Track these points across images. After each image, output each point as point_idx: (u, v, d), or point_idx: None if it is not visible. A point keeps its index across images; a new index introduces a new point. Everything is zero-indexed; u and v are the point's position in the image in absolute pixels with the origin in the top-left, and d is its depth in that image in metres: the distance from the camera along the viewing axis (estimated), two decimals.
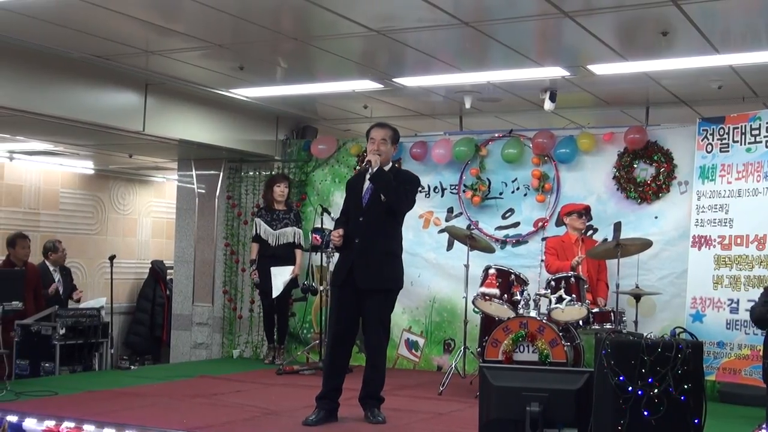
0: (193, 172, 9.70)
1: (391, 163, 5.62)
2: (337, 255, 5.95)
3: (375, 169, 5.40)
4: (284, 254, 8.22)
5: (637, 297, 6.73)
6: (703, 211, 7.07)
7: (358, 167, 5.48)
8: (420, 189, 8.32)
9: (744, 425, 5.70)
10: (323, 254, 7.81)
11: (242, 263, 9.23)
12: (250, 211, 9.13)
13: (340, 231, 5.47)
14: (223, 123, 8.61)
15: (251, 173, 9.35)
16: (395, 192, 5.41)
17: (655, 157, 7.53)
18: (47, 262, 8.92)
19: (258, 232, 8.31)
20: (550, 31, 5.91)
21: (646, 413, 4.19)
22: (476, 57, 6.65)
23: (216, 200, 9.52)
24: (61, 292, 8.84)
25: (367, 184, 5.52)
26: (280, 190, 8.36)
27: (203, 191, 9.65)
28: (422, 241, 8.45)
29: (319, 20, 5.73)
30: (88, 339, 7.97)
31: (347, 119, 9.23)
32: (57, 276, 8.93)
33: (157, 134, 8.01)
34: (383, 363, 5.55)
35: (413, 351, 8.42)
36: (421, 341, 8.42)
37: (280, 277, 8.10)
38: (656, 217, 7.50)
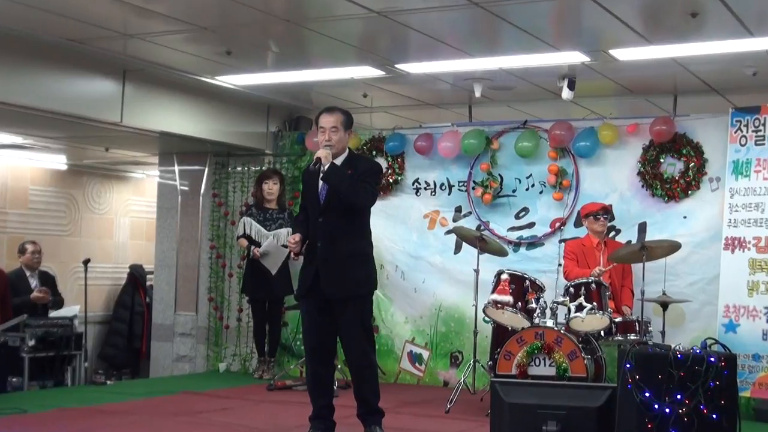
0: (176, 168, 9.70)
1: (347, 152, 5.46)
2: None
3: (326, 167, 5.24)
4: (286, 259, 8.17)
5: (664, 305, 6.72)
6: (736, 210, 7.05)
7: (311, 166, 5.45)
8: (422, 185, 8.47)
9: None
10: None
11: (229, 267, 9.26)
12: (238, 210, 9.14)
13: (297, 237, 5.36)
14: (208, 113, 8.61)
15: (239, 169, 9.33)
16: (353, 188, 5.26)
17: (684, 151, 7.52)
18: (23, 267, 8.91)
19: (247, 232, 8.30)
20: (569, 12, 5.88)
21: None
22: (487, 41, 6.62)
23: (201, 198, 9.50)
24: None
25: (321, 182, 5.39)
26: (269, 188, 8.36)
27: (186, 188, 9.64)
28: (427, 243, 8.44)
29: (314, 0, 5.72)
30: (60, 351, 7.99)
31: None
32: (34, 282, 8.90)
33: (136, 126, 8.00)
34: (372, 374, 5.48)
35: (417, 365, 8.41)
36: (425, 354, 8.39)
37: (280, 255, 8.06)
38: (685, 217, 7.49)
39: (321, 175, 5.31)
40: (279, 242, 8.11)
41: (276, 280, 8.18)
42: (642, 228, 7.60)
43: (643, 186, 7.67)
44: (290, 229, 8.06)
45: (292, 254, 5.63)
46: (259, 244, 8.20)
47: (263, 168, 9.04)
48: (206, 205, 9.47)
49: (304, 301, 5.49)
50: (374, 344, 5.58)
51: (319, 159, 5.28)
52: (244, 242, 8.33)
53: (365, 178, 5.36)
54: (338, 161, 5.37)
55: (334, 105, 5.66)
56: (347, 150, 5.49)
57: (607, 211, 7.34)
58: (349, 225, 5.37)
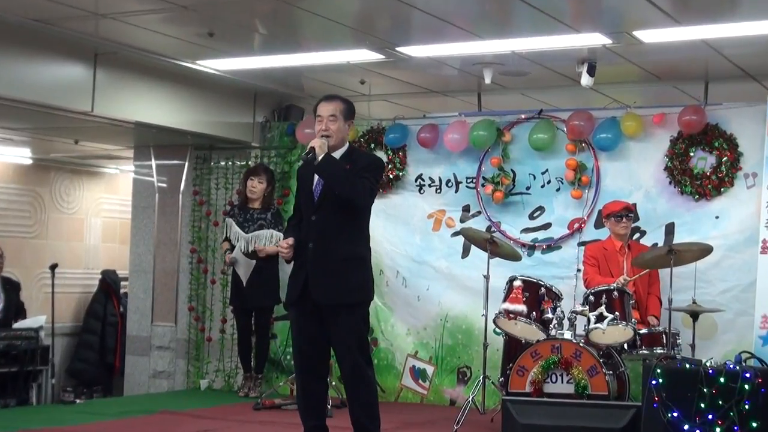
0: (153, 162, 9.69)
1: (346, 146, 5.49)
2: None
3: (321, 157, 5.25)
4: (258, 265, 8.24)
5: (695, 315, 6.72)
6: None
7: (303, 155, 5.45)
8: (426, 182, 8.47)
9: None
10: None
11: (212, 273, 9.27)
12: (222, 209, 9.13)
13: (290, 241, 5.37)
14: (189, 102, 8.59)
15: (223, 163, 9.33)
16: (349, 183, 5.26)
17: (716, 144, 7.51)
18: None
19: (228, 235, 8.37)
20: None
21: None
22: (498, 21, 6.61)
23: (180, 196, 9.50)
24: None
25: (317, 176, 5.43)
26: (252, 185, 8.37)
27: (165, 185, 9.62)
28: (432, 246, 8.44)
29: None
30: (24, 366, 8.02)
31: None
32: None
33: (109, 115, 8.00)
34: (370, 394, 5.44)
35: (420, 381, 8.40)
36: (429, 369, 8.38)
37: (247, 266, 8.19)
38: (717, 217, 7.49)
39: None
40: (254, 246, 8.17)
41: (257, 288, 8.23)
42: (669, 229, 7.60)
43: (670, 183, 7.67)
44: (272, 231, 8.22)
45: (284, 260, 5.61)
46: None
47: (249, 162, 9.06)
48: (186, 204, 9.45)
49: (293, 309, 5.49)
50: (371, 359, 5.55)
51: (312, 149, 5.27)
52: (226, 245, 8.39)
53: (364, 173, 5.36)
54: (336, 155, 5.38)
55: (334, 93, 5.69)
56: (347, 144, 5.51)
57: (630, 211, 7.32)
58: (344, 225, 5.36)
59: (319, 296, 5.30)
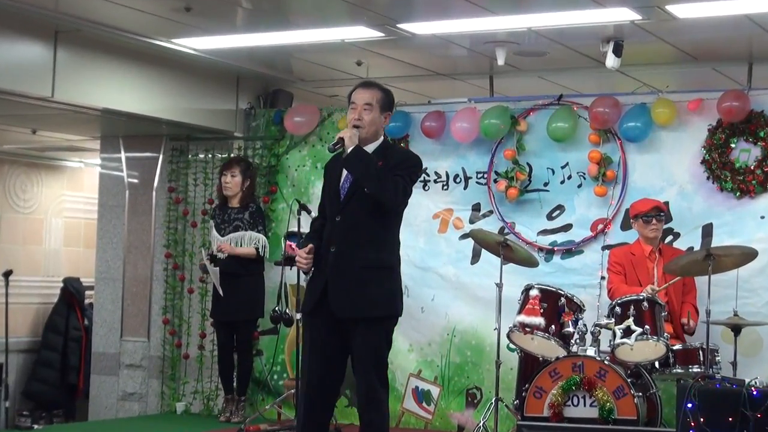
0: (122, 155, 9.68)
1: (381, 140, 5.54)
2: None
3: (350, 149, 5.30)
4: (235, 271, 8.27)
5: (736, 329, 6.68)
6: None
7: (329, 146, 5.50)
8: (431, 177, 8.46)
9: None
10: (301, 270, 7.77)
11: (189, 281, 9.25)
12: (200, 208, 9.15)
13: (308, 247, 5.42)
14: (163, 86, 8.58)
15: (202, 156, 9.33)
16: (380, 180, 5.29)
17: (762, 134, 7.48)
18: None
19: (207, 238, 8.52)
20: None
21: None
22: None
23: (154, 194, 9.48)
24: None
25: (345, 171, 5.48)
26: (225, 181, 8.38)
27: (136, 181, 9.60)
28: (437, 250, 8.44)
29: None
30: None
31: (334, 81, 9.16)
32: None
33: (72, 101, 7.98)
34: (382, 420, 5.43)
35: (424, 405, 8.39)
36: (435, 391, 8.38)
37: (213, 275, 8.22)
38: (763, 217, 7.47)
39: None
40: (216, 247, 8.22)
41: (238, 299, 8.25)
42: (707, 231, 7.59)
43: (708, 178, 7.65)
44: (250, 233, 8.26)
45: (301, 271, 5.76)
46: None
47: (232, 155, 9.02)
48: (161, 203, 9.44)
49: (308, 320, 5.53)
50: (387, 381, 5.53)
51: (341, 139, 5.33)
52: (205, 252, 8.44)
53: (397, 170, 5.39)
54: (368, 149, 5.41)
55: (374, 81, 5.71)
56: (382, 138, 5.54)
57: (661, 211, 7.32)
58: (372, 229, 5.42)
59: (338, 307, 5.34)
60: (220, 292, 8.23)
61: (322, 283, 5.39)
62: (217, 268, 8.20)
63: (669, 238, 7.63)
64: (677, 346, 6.74)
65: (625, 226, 7.76)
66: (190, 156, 9.37)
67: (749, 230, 7.45)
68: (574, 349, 6.56)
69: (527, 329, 6.69)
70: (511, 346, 7.14)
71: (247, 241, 8.26)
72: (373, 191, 5.30)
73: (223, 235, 8.26)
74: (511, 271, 7.26)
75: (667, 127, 7.78)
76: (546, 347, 6.68)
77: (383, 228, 5.49)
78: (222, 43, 7.96)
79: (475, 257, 8.27)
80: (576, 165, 8.04)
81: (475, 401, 8.19)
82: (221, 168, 8.52)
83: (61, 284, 11.33)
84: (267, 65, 8.83)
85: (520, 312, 6.83)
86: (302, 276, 7.44)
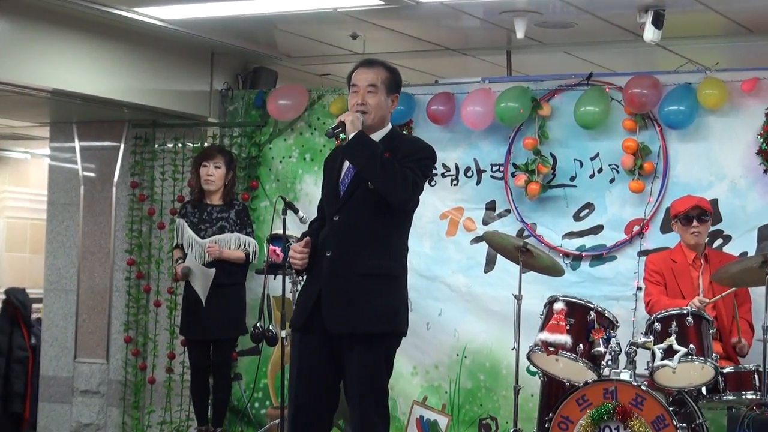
0: (76, 144, 9.55)
1: (388, 128, 5.47)
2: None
3: (351, 136, 5.21)
4: (217, 280, 8.11)
5: None
6: None
7: (328, 130, 5.48)
8: (439, 170, 8.40)
9: None
10: (286, 278, 7.47)
11: (156, 293, 9.11)
12: (169, 206, 9.07)
13: (305, 241, 5.40)
14: (124, 64, 8.45)
15: (170, 146, 9.22)
16: (385, 171, 5.19)
17: None
18: None
19: (180, 240, 8.23)
20: None
21: None
22: None
23: (114, 190, 9.38)
24: None
25: (347, 163, 5.42)
26: (207, 173, 8.18)
27: (93, 175, 9.51)
28: (445, 256, 8.38)
29: None
30: None
31: (325, 57, 9.18)
32: None
33: (15, 81, 7.83)
34: None
35: None
36: (443, 421, 8.31)
37: (204, 279, 8.08)
38: None
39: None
40: (213, 255, 8.08)
41: (220, 313, 8.13)
42: (764, 234, 7.47)
43: (765, 171, 7.50)
44: (238, 236, 8.22)
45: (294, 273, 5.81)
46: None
47: (205, 144, 8.92)
48: (122, 200, 9.35)
49: (298, 336, 5.44)
50: (387, 413, 5.47)
51: (342, 123, 5.28)
52: (178, 254, 8.29)
53: (406, 162, 5.31)
54: (374, 138, 5.35)
55: (377, 58, 5.63)
56: (389, 125, 5.50)
57: (704, 212, 7.15)
58: (375, 230, 5.37)
59: (332, 321, 5.28)
60: (203, 302, 8.05)
61: (315, 294, 5.34)
62: (213, 269, 8.06)
63: (718, 242, 7.54)
64: (728, 369, 6.60)
65: (666, 228, 7.68)
66: (156, 145, 9.29)
67: None
68: (606, 372, 6.45)
69: (551, 349, 6.57)
70: (532, 368, 7.04)
71: (234, 245, 8.19)
72: (378, 185, 5.26)
73: (203, 237, 8.12)
74: (531, 281, 7.27)
75: (717, 112, 7.66)
76: (573, 370, 6.59)
77: (388, 230, 5.43)
78: (193, 12, 7.82)
79: (490, 264, 8.24)
80: (608, 156, 7.96)
81: None
82: (198, 158, 8.38)
83: (3, 296, 11.07)
84: (246, 39, 8.78)
85: (542, 329, 6.70)
86: (288, 287, 7.56)
